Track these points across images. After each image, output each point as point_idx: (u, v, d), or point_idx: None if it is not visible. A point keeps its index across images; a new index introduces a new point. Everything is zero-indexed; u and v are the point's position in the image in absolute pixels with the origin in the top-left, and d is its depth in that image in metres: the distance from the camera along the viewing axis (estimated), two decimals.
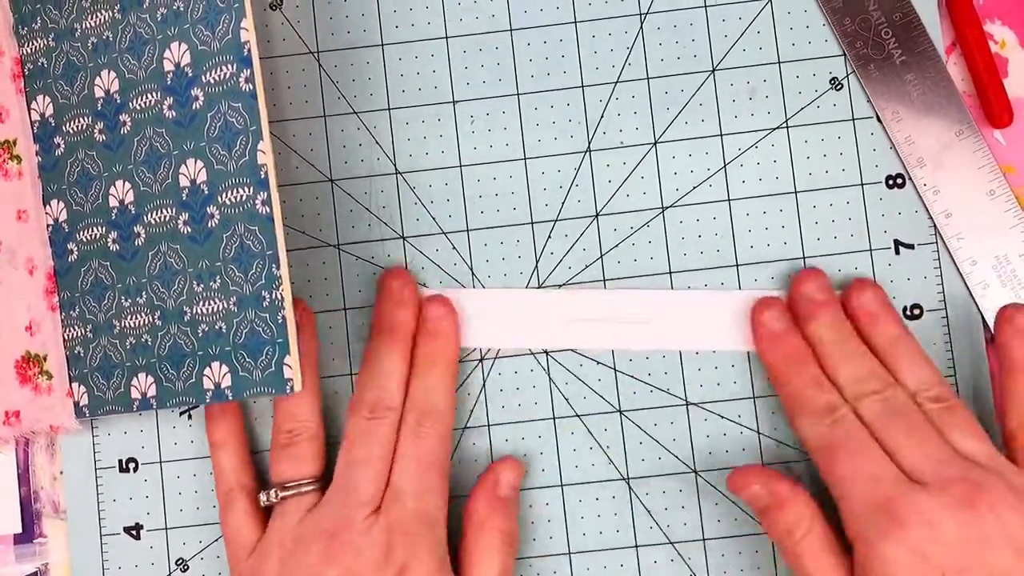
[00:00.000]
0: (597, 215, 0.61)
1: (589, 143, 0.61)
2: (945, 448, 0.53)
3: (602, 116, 0.62)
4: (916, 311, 0.60)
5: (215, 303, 0.54)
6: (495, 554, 0.57)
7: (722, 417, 0.60)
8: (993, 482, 0.51)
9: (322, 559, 0.54)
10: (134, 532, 0.61)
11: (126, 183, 0.57)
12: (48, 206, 0.60)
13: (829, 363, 0.57)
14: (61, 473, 0.62)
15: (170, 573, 0.61)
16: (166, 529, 0.61)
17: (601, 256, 0.61)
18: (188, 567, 0.61)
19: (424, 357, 0.59)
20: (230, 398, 0.54)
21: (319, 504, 0.56)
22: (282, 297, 0.52)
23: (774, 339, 0.58)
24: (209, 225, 0.54)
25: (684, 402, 0.60)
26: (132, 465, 0.62)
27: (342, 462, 0.57)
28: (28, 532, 0.62)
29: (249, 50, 0.52)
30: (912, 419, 0.54)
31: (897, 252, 0.60)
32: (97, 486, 0.62)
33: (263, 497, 0.57)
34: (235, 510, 0.58)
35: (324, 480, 0.58)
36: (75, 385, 0.59)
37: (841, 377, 0.56)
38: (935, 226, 0.60)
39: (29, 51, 0.60)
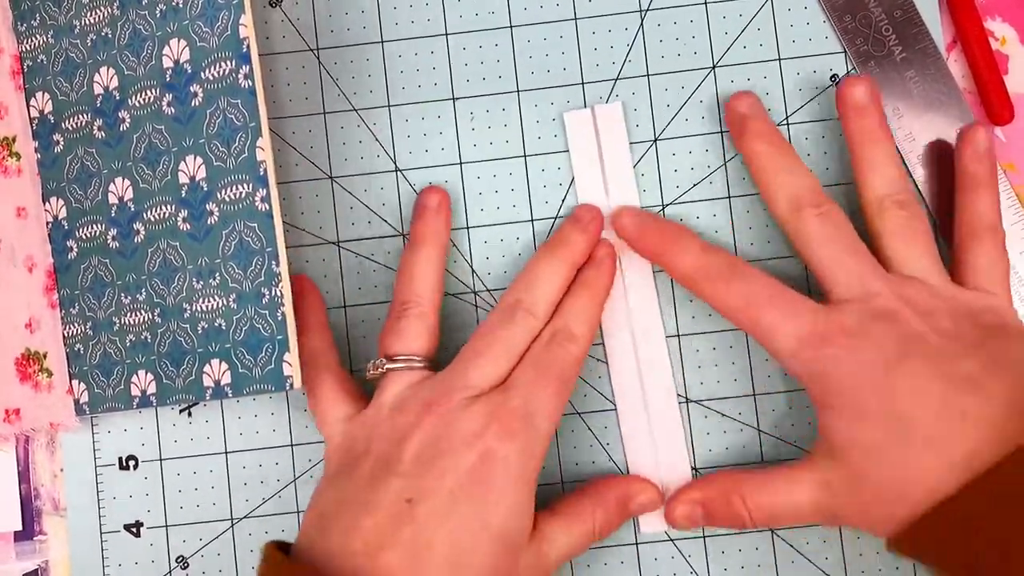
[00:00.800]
0: None
1: None
2: (877, 267, 0.54)
3: None
4: None
5: (215, 300, 0.54)
6: (585, 529, 0.56)
7: (722, 414, 0.60)
8: (917, 293, 0.53)
9: (411, 423, 0.53)
10: (134, 530, 0.61)
11: (125, 180, 0.57)
12: (47, 203, 0.60)
13: (764, 178, 0.57)
14: (61, 471, 0.62)
15: (170, 571, 0.61)
16: (166, 527, 0.61)
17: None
18: (188, 564, 0.61)
19: (584, 281, 0.58)
20: (230, 395, 0.54)
21: (425, 379, 0.56)
22: (281, 294, 0.52)
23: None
24: (208, 222, 0.54)
25: (684, 399, 0.60)
26: (132, 463, 0.62)
27: (463, 350, 0.56)
28: (28, 529, 0.62)
29: (248, 46, 0.52)
30: (848, 238, 0.55)
31: None
32: (97, 484, 0.62)
33: (369, 367, 0.57)
34: (324, 386, 0.57)
35: (432, 363, 0.57)
36: (75, 382, 0.59)
37: (777, 191, 0.56)
38: (936, 223, 0.60)
39: (28, 48, 0.60)
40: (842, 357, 0.52)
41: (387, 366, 0.56)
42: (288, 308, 0.52)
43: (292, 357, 0.52)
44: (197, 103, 0.54)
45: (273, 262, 0.52)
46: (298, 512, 0.61)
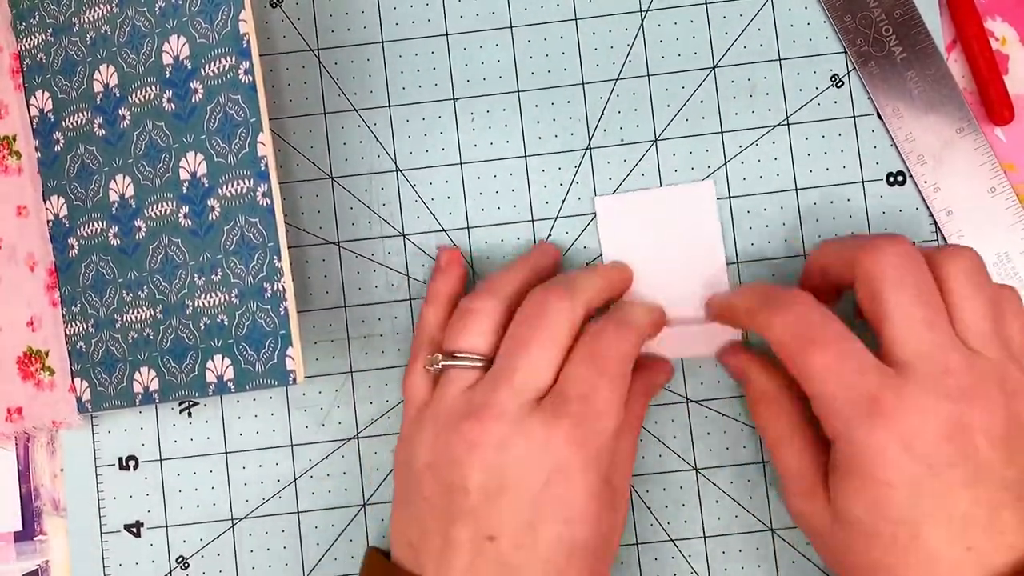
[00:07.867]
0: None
1: (589, 140, 0.61)
2: (951, 333, 0.49)
3: (602, 113, 0.62)
4: None
5: (217, 296, 0.54)
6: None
7: (722, 414, 0.60)
8: (990, 373, 0.48)
9: (465, 442, 0.50)
10: (134, 530, 0.61)
11: (126, 177, 0.57)
12: (48, 202, 0.60)
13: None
14: (61, 471, 0.62)
15: (170, 571, 0.61)
16: (166, 527, 0.61)
17: (602, 254, 0.61)
18: (188, 565, 0.61)
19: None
20: (233, 391, 0.54)
21: (479, 382, 0.53)
22: (283, 288, 0.52)
23: None
24: (210, 218, 0.54)
25: (684, 399, 0.60)
26: (132, 463, 0.61)
27: (504, 340, 0.53)
28: (28, 530, 0.62)
29: (248, 42, 0.52)
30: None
31: None
32: (97, 484, 0.61)
33: (427, 361, 0.55)
34: (416, 364, 0.56)
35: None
36: (77, 380, 0.59)
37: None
38: (936, 224, 0.60)
39: (28, 46, 0.60)
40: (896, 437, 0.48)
41: (444, 363, 0.54)
42: (290, 303, 0.52)
43: (295, 351, 0.52)
44: (197, 99, 0.54)
45: (275, 257, 0.52)
46: (298, 512, 0.61)
